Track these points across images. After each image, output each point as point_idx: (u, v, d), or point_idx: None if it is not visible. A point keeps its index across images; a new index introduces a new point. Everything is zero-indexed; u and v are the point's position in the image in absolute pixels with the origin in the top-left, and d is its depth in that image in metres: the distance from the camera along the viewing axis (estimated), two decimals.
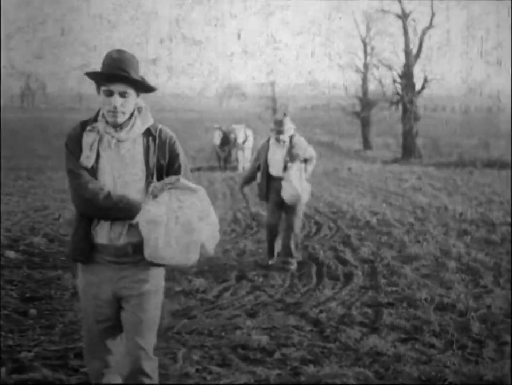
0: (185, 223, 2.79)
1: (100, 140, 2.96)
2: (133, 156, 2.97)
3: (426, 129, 24.59)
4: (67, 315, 5.32)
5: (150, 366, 3.06)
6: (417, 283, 6.36)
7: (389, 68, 24.49)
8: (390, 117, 24.81)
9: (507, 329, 5.05)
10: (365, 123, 26.91)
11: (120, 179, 2.95)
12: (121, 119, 2.93)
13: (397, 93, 24.33)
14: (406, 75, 23.98)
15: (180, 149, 3.06)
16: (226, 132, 19.10)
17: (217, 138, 19.02)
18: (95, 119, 3.01)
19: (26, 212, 10.42)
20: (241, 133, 18.85)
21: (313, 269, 7.01)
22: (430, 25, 23.69)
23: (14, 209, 10.64)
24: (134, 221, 2.84)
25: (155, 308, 3.10)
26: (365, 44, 26.05)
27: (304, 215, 7.97)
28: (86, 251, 3.00)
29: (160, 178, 2.97)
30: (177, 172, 3.00)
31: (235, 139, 18.70)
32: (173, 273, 6.45)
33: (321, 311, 5.55)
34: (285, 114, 7.03)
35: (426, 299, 5.77)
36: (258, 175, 7.20)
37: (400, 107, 24.37)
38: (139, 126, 2.99)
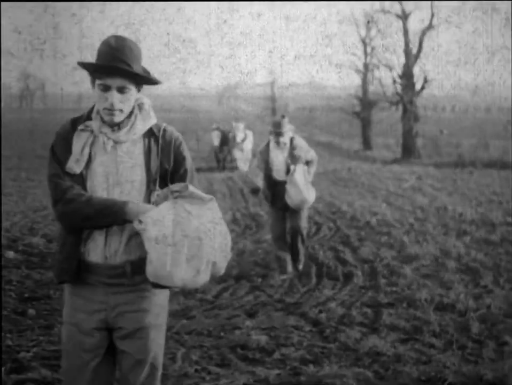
0: (195, 238, 2.39)
1: (93, 142, 2.55)
2: (132, 161, 2.56)
3: (426, 129, 24.58)
4: None
5: None
6: (417, 283, 6.35)
7: (389, 68, 24.48)
8: (390, 117, 24.80)
9: (507, 329, 5.04)
10: (365, 123, 26.89)
11: (117, 188, 2.53)
12: (118, 118, 2.51)
13: (397, 93, 24.32)
14: (406, 75, 23.97)
15: (187, 153, 2.66)
16: (224, 131, 18.93)
17: (215, 139, 18.85)
18: (88, 117, 2.59)
19: (26, 212, 10.42)
20: (240, 131, 18.59)
21: (313, 269, 7.01)
22: (430, 26, 23.68)
23: (13, 209, 10.64)
24: (139, 226, 2.42)
25: (158, 347, 2.66)
26: (365, 44, 26.04)
27: None
28: (74, 270, 2.55)
29: (163, 185, 2.56)
30: (182, 178, 2.60)
31: (234, 138, 18.48)
32: None
33: (321, 311, 5.55)
34: (283, 116, 6.89)
35: (425, 299, 5.76)
36: (259, 180, 6.98)
37: (400, 107, 24.36)
38: (140, 126, 2.58)
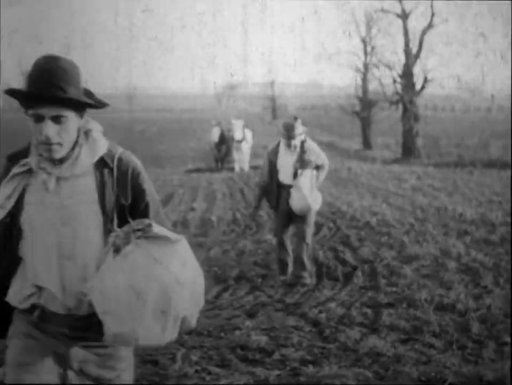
0: (161, 289, 1.98)
1: (28, 184, 2.17)
2: (82, 198, 2.17)
3: (426, 129, 24.58)
4: None
5: None
6: (417, 284, 6.35)
7: (389, 67, 24.48)
8: (390, 117, 24.78)
9: (507, 329, 5.03)
10: (365, 123, 26.89)
11: (67, 234, 2.15)
12: (58, 153, 2.13)
13: (397, 93, 24.32)
14: (406, 74, 23.97)
15: (147, 184, 2.28)
16: (223, 129, 18.67)
17: (215, 135, 18.55)
18: (25, 152, 2.22)
19: None
20: (239, 130, 18.32)
21: (313, 269, 7.00)
22: (430, 25, 23.67)
23: None
24: (86, 296, 2.05)
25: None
26: (365, 44, 26.03)
27: None
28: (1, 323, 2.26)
29: (122, 224, 2.17)
30: (144, 214, 2.23)
31: (232, 137, 18.21)
32: None
33: (320, 311, 5.54)
34: (295, 118, 6.51)
35: (425, 300, 5.76)
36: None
37: (400, 107, 24.36)
38: (88, 157, 2.18)
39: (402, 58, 24.16)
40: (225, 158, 18.94)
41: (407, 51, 24.03)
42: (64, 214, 2.15)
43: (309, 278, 6.51)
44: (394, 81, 24.39)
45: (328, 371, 4.23)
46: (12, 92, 2.11)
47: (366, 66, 26.30)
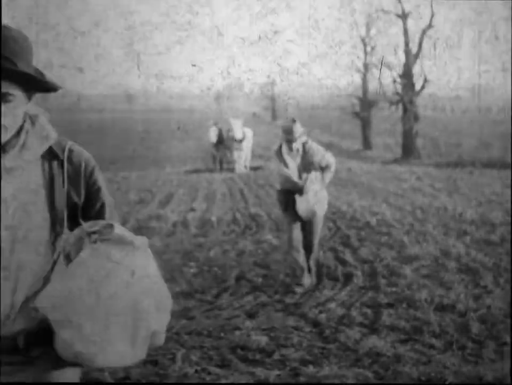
0: (129, 299, 1.69)
1: None
2: (28, 194, 1.81)
3: (426, 129, 24.59)
4: None
5: None
6: (417, 284, 6.35)
7: (389, 68, 24.49)
8: (390, 117, 24.80)
9: (507, 330, 5.03)
10: (365, 123, 26.90)
11: (6, 238, 1.77)
12: (2, 136, 1.78)
13: (397, 93, 24.34)
14: (406, 74, 23.98)
15: (102, 182, 1.96)
16: (222, 129, 18.47)
17: (213, 135, 18.37)
18: None
19: None
20: (239, 129, 18.12)
21: (314, 270, 7.00)
22: (430, 25, 23.68)
23: None
24: (36, 304, 1.71)
25: None
26: (365, 44, 26.04)
27: None
28: None
29: (73, 226, 1.85)
30: (99, 215, 1.91)
31: (232, 136, 18.00)
32: (172, 274, 6.44)
33: (320, 312, 5.55)
34: (293, 120, 6.26)
35: (425, 300, 5.76)
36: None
37: (400, 107, 24.38)
38: (35, 145, 1.85)
39: (402, 58, 24.19)
40: (224, 158, 18.81)
41: (407, 51, 24.05)
42: (6, 214, 1.78)
43: (308, 278, 6.36)
44: (394, 81, 24.40)
45: (328, 372, 4.23)
46: None
47: (366, 66, 26.31)
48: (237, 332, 4.99)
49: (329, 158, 6.31)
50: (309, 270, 6.43)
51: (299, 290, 6.24)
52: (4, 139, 1.79)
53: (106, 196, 1.96)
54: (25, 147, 1.84)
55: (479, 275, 6.68)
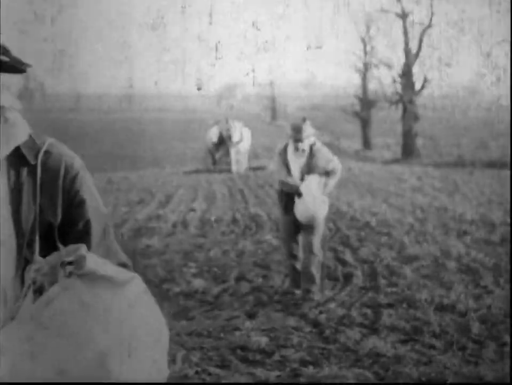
0: (97, 352, 1.19)
1: None
2: None
3: (426, 129, 24.59)
4: None
5: None
6: (417, 284, 6.35)
7: (389, 67, 24.50)
8: (390, 117, 24.80)
9: (507, 330, 5.03)
10: (365, 123, 26.90)
11: None
12: None
13: (397, 93, 24.34)
14: (406, 74, 23.98)
15: (89, 190, 1.46)
16: (222, 130, 18.51)
17: (214, 135, 18.39)
18: None
19: None
20: (236, 130, 18.16)
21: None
22: (430, 25, 23.68)
23: None
24: None
25: None
26: (365, 44, 26.04)
27: None
28: None
29: (48, 249, 1.35)
30: (83, 237, 1.42)
31: (230, 137, 18.06)
32: (172, 274, 6.43)
33: (321, 312, 5.54)
34: (304, 119, 6.05)
35: (426, 300, 5.76)
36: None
37: (400, 107, 24.38)
38: (3, 144, 1.39)
39: (402, 58, 24.19)
40: (222, 158, 18.78)
41: (407, 50, 24.05)
42: None
43: (318, 294, 6.03)
44: (394, 81, 24.41)
45: (329, 372, 4.23)
46: None
47: (366, 66, 26.31)
48: (237, 333, 4.99)
49: (336, 164, 6.09)
50: (312, 278, 6.01)
51: (297, 292, 6.10)
52: None
53: (94, 212, 1.45)
54: None
55: (479, 275, 6.67)
